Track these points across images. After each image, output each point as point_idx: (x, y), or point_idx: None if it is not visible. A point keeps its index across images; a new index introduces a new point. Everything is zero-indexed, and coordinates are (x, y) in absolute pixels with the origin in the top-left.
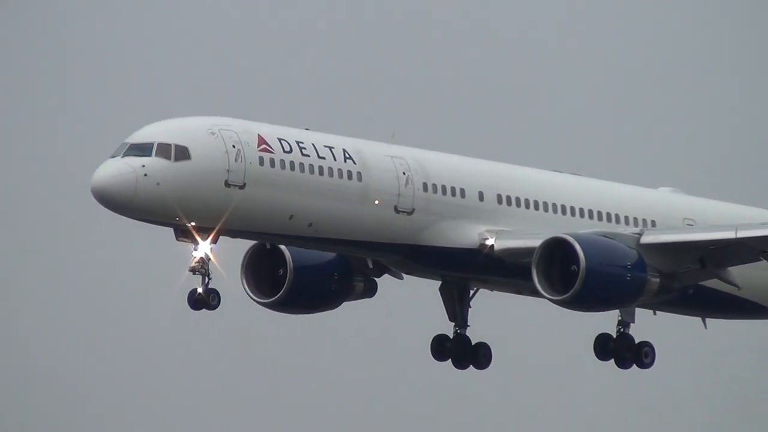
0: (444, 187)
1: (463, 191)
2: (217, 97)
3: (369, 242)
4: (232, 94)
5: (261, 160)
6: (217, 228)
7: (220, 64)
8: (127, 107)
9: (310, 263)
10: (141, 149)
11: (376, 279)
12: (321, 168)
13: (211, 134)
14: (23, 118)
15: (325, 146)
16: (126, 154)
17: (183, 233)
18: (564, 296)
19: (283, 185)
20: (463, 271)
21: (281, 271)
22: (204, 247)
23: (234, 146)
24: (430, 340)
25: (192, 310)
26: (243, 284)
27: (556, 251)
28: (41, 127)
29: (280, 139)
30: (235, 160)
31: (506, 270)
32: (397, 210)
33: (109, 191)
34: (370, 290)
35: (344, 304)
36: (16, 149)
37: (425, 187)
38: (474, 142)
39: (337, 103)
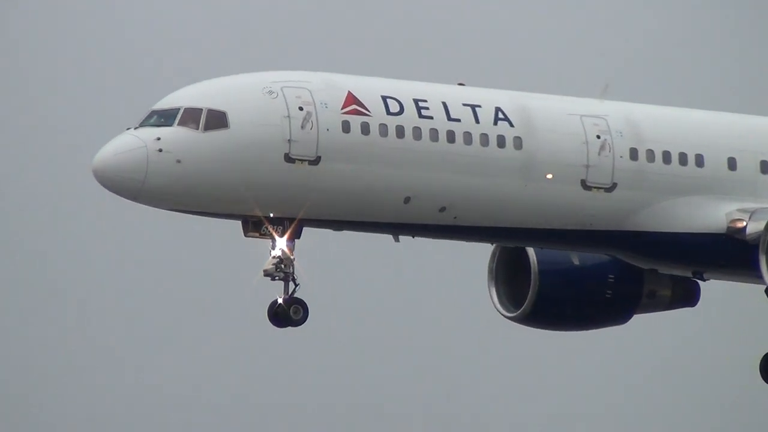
0: (667, 154)
1: (700, 158)
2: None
3: (542, 230)
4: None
5: (346, 126)
6: (293, 218)
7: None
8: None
9: (566, 265)
10: (164, 117)
11: (700, 281)
12: (451, 133)
13: (267, 94)
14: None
15: (466, 104)
16: (143, 124)
17: (253, 226)
18: None
19: (384, 158)
20: (705, 265)
21: None
22: (282, 244)
23: (302, 108)
24: (759, 360)
25: (276, 327)
26: (490, 295)
27: None
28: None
29: (385, 98)
30: (302, 127)
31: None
32: (586, 185)
33: (111, 173)
34: (686, 297)
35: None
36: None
37: (634, 154)
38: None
39: (532, 54)
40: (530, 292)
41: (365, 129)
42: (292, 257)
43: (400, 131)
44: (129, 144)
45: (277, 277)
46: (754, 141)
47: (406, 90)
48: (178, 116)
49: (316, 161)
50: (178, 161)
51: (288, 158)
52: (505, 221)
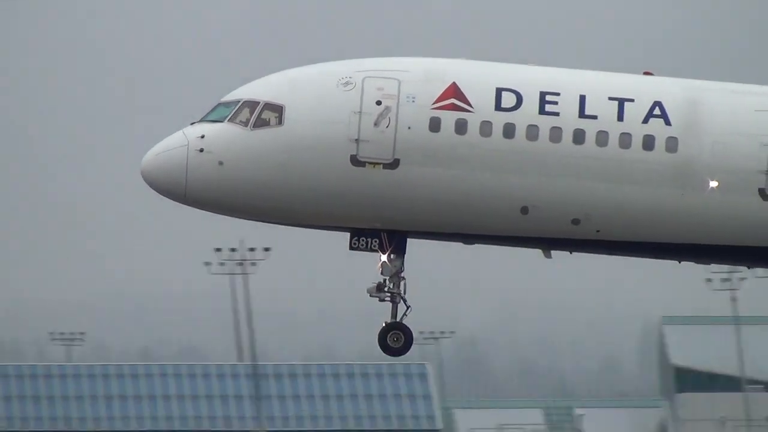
0: None
1: None
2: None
3: (708, 246)
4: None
5: (435, 123)
6: (392, 230)
7: None
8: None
9: None
10: (224, 110)
11: None
12: (579, 133)
13: (341, 85)
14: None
15: (612, 98)
16: (204, 118)
17: (358, 237)
18: None
19: (485, 162)
20: None
21: None
22: (385, 260)
23: (379, 102)
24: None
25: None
26: None
27: None
28: None
29: (500, 90)
30: (376, 124)
31: None
32: (765, 195)
33: (153, 174)
34: None
35: None
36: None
37: None
38: None
39: None
40: None
41: (461, 127)
42: (399, 275)
43: (508, 130)
44: (172, 143)
45: (380, 298)
46: None
47: (536, 80)
48: (233, 110)
49: (393, 164)
50: (221, 163)
51: (356, 161)
52: (661, 236)
